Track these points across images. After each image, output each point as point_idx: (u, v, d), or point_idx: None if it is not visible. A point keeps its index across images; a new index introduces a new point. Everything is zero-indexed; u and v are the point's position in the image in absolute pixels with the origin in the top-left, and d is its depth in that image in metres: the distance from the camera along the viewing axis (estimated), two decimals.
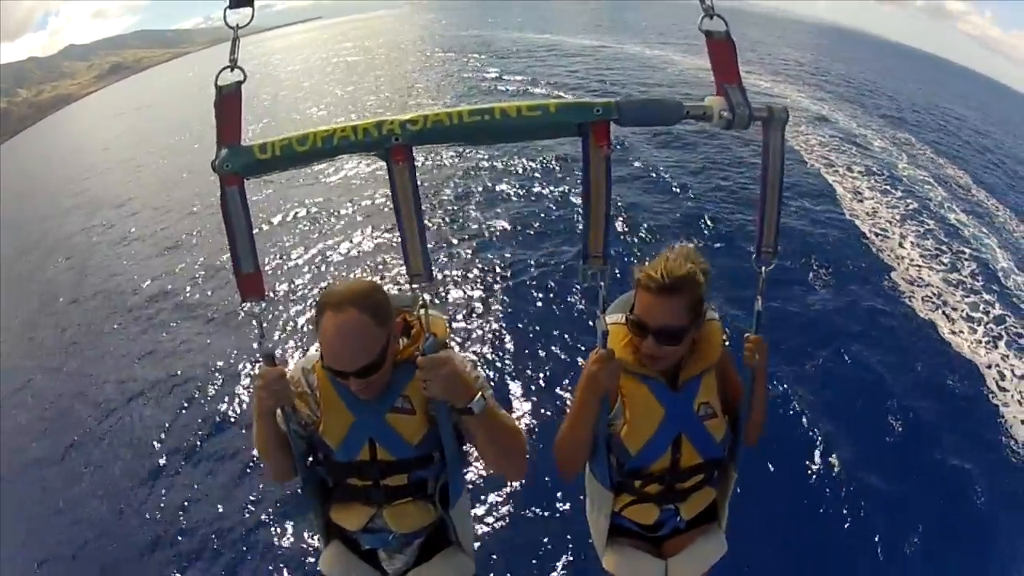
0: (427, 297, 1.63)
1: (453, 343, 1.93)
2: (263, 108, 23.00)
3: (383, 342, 1.63)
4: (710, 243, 8.61)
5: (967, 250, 9.65)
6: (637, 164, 11.61)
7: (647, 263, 1.82)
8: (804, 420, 5.67)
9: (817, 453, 5.37)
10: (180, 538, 5.01)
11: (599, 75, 21.60)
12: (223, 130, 1.60)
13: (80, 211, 16.50)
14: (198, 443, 5.98)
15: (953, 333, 7.40)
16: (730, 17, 1.55)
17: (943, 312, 7.80)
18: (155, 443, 6.13)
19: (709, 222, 9.25)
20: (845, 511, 4.88)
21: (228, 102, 1.60)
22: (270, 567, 4.56)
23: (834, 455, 5.33)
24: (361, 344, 1.59)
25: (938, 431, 5.78)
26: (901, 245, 9.49)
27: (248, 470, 5.46)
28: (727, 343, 1.99)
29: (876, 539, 4.67)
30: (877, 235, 9.70)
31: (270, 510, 4.99)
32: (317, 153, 1.59)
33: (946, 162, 15.25)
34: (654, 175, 11.22)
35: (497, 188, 11.11)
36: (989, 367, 6.83)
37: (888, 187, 12.03)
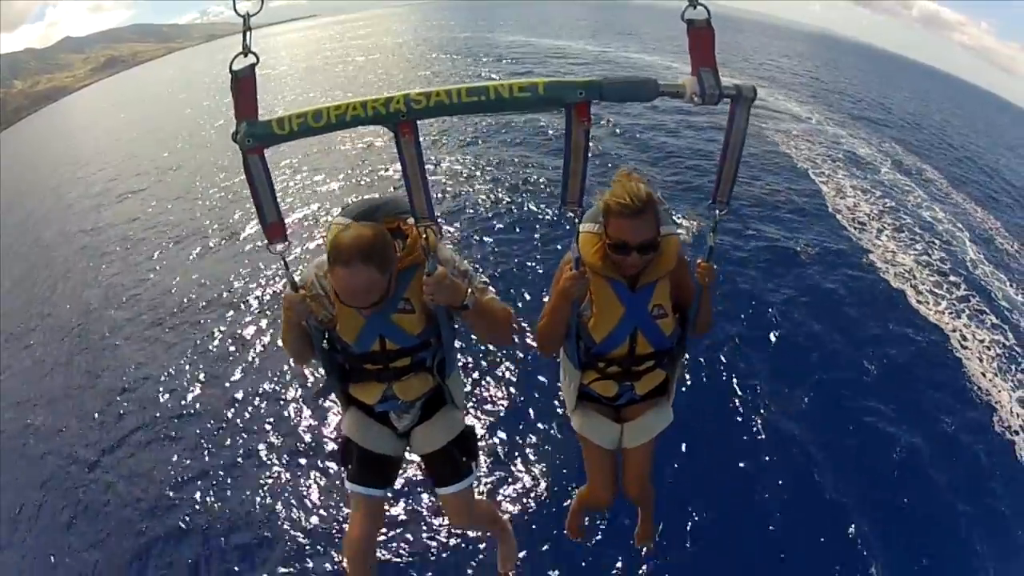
0: (434, 228, 1.93)
1: (447, 245, 2.29)
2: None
3: (387, 283, 1.99)
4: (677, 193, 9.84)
5: (938, 241, 10.44)
6: (617, 129, 13.35)
7: (607, 192, 2.15)
8: (772, 340, 6.59)
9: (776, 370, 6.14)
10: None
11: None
12: (241, 107, 1.80)
13: (76, 200, 16.53)
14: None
15: (920, 303, 8.21)
16: (722, 24, 1.76)
17: (912, 285, 8.64)
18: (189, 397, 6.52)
19: (680, 180, 10.66)
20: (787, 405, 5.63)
21: (244, 83, 1.79)
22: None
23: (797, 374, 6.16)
24: (369, 292, 1.94)
25: (904, 375, 6.62)
26: (878, 236, 10.19)
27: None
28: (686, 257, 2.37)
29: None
30: (857, 227, 10.38)
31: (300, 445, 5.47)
32: (330, 127, 1.78)
33: (928, 167, 15.89)
34: (633, 138, 12.87)
35: (490, 151, 12.40)
36: (954, 330, 7.65)
37: (870, 188, 12.66)
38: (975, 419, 6.16)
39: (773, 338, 6.65)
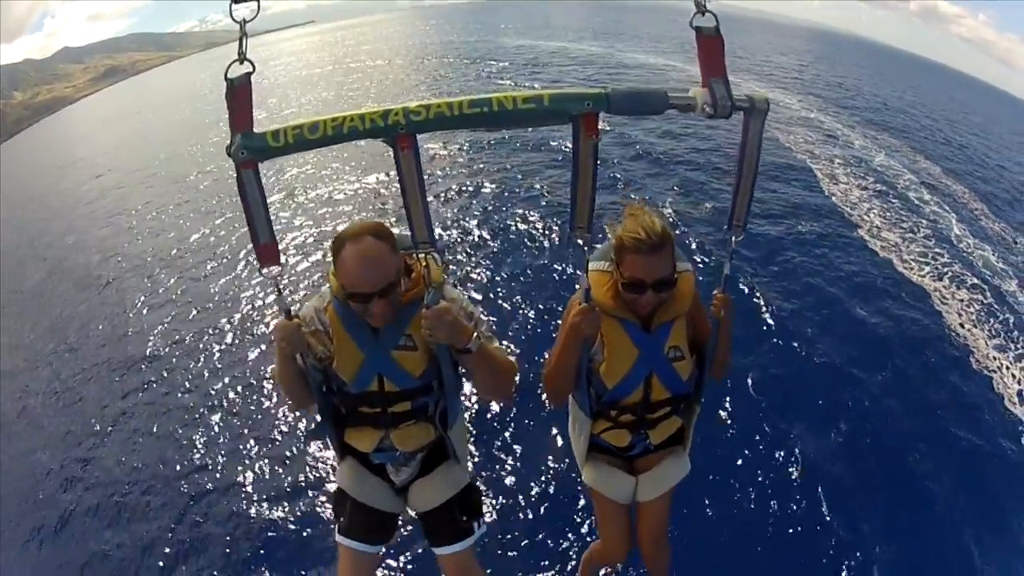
0: (435, 256, 1.83)
1: (451, 282, 2.17)
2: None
3: (398, 265, 1.89)
4: (688, 213, 9.49)
5: (925, 220, 11.08)
6: (624, 143, 12.78)
7: (619, 225, 2.04)
8: (772, 345, 6.49)
9: (779, 376, 5.98)
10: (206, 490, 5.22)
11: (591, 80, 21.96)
12: (236, 119, 1.71)
13: (79, 210, 16.52)
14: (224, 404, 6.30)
15: (906, 268, 8.94)
16: (721, 21, 1.66)
17: (898, 255, 9.35)
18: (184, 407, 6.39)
19: (688, 195, 10.29)
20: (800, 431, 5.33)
21: (239, 93, 1.70)
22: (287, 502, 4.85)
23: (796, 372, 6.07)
24: (381, 266, 1.83)
25: (891, 331, 7.02)
26: (867, 215, 10.87)
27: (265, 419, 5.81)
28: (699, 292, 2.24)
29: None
30: (849, 208, 11.05)
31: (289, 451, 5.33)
32: (327, 140, 1.70)
33: (921, 157, 16.09)
34: (640, 152, 12.40)
35: (493, 167, 11.98)
36: (935, 291, 8.35)
37: (863, 174, 13.21)
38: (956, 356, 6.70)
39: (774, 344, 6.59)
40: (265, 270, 1.84)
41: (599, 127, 1.66)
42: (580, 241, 1.81)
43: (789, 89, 24.04)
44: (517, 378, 2.15)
